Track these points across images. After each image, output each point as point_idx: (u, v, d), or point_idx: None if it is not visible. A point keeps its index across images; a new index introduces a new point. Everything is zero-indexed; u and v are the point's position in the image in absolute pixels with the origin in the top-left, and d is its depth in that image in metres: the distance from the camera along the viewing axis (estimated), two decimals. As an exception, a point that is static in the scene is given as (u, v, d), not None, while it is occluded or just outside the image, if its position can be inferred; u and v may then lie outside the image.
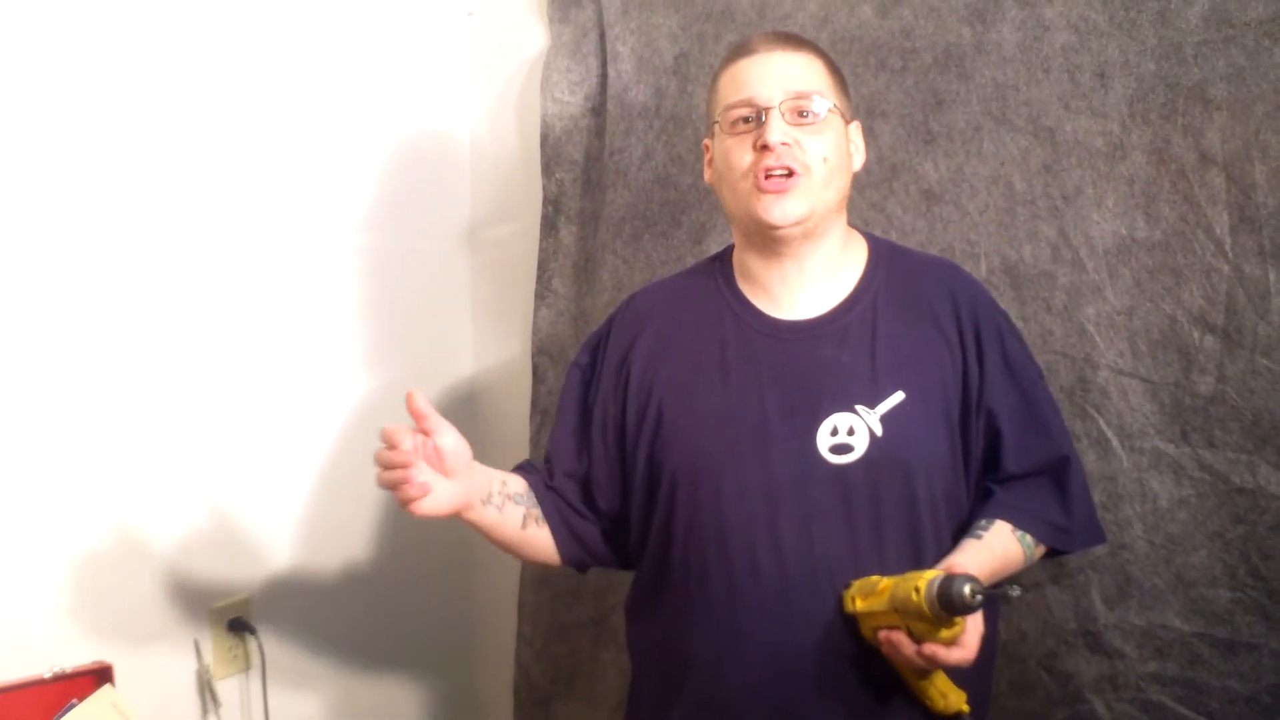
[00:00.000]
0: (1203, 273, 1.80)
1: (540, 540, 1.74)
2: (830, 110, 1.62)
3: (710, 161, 1.71)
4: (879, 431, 1.58)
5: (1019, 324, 1.93)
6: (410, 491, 1.48)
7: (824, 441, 1.58)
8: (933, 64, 1.99)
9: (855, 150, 1.69)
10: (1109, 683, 1.91)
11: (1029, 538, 1.63)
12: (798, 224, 1.60)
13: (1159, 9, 1.80)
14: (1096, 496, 1.89)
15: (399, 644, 2.45)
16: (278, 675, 2.13)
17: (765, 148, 1.57)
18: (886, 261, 1.71)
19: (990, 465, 1.68)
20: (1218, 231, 1.78)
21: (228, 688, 2.11)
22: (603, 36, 2.35)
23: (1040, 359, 1.92)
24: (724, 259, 1.76)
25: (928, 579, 1.39)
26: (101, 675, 1.74)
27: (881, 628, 1.47)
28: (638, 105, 2.30)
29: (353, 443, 2.32)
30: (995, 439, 1.66)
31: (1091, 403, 1.89)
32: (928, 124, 2.00)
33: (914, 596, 1.39)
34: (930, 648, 1.41)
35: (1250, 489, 1.78)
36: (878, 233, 2.03)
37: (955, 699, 1.51)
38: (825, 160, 1.60)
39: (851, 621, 1.53)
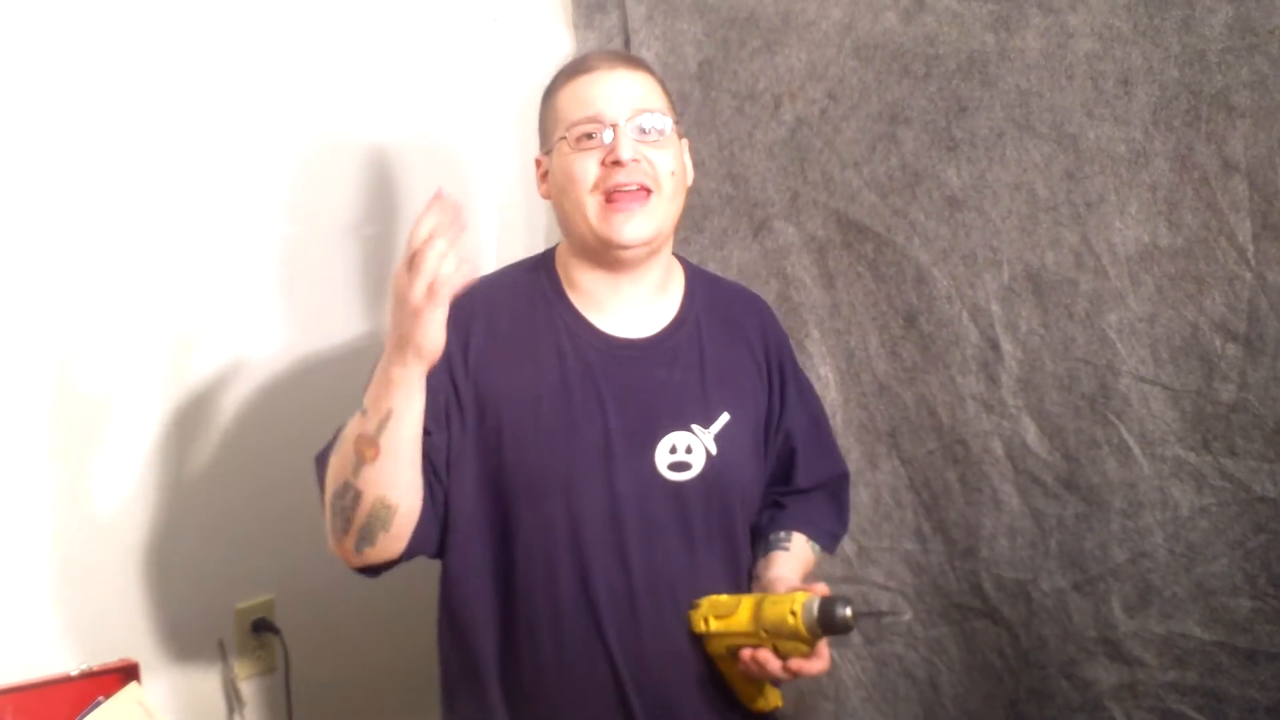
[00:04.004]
0: (1225, 280, 1.80)
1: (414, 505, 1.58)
2: (672, 128, 1.66)
3: (545, 176, 1.71)
4: (714, 450, 1.65)
5: (1041, 331, 1.94)
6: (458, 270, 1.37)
7: (662, 459, 1.63)
8: (956, 70, 1.99)
9: (687, 167, 1.73)
10: (1129, 691, 1.90)
11: (817, 546, 1.80)
12: (645, 244, 1.63)
13: (1183, 17, 1.79)
14: (1117, 503, 1.90)
15: (423, 645, 2.45)
16: (302, 676, 2.15)
17: (617, 163, 1.59)
18: (702, 287, 1.79)
19: (781, 479, 1.82)
20: (1240, 239, 1.77)
21: (252, 688, 2.12)
22: (627, 43, 2.36)
23: (1061, 366, 1.93)
24: (547, 268, 1.75)
25: (800, 602, 1.48)
26: (127, 673, 1.76)
27: (739, 646, 1.55)
28: (662, 111, 2.30)
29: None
30: (790, 457, 1.81)
31: (1113, 410, 1.89)
32: (951, 130, 2.00)
33: (790, 620, 1.48)
34: (796, 663, 1.51)
35: (1272, 497, 1.78)
36: (899, 240, 2.05)
37: (774, 697, 1.66)
38: (672, 174, 1.64)
39: (693, 635, 1.62)
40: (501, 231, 2.60)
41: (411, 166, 2.36)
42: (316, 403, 2.17)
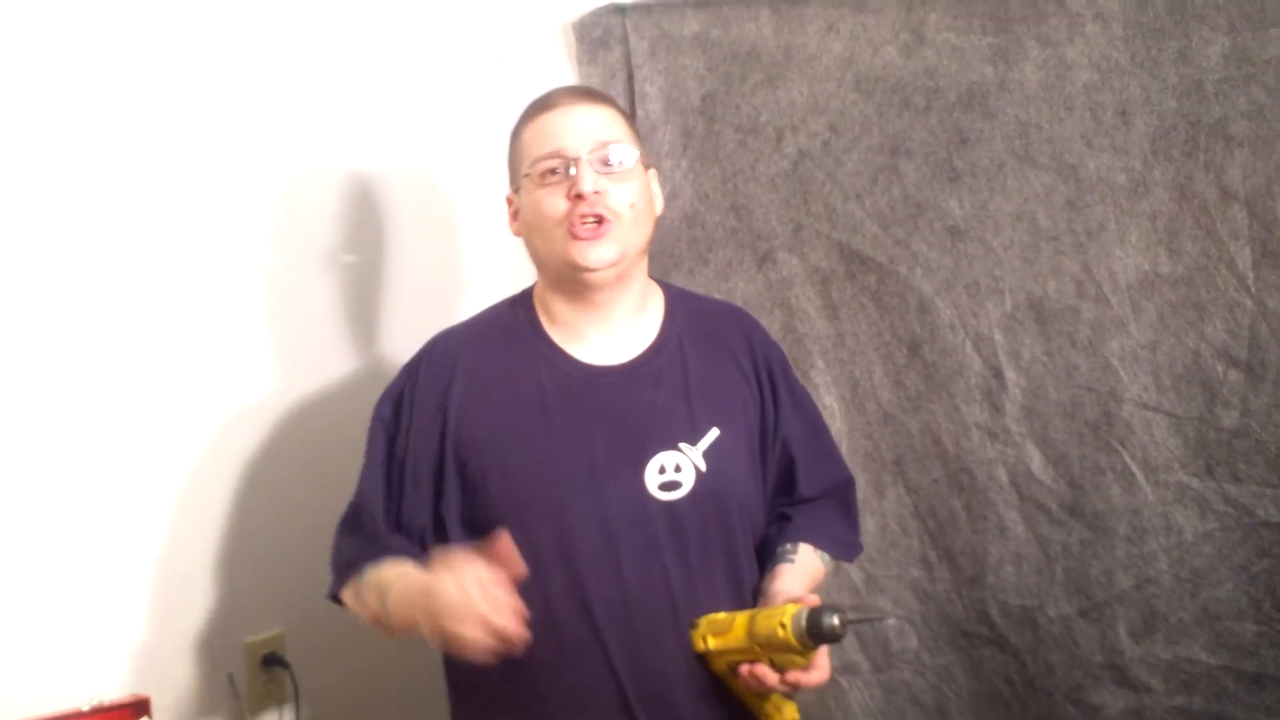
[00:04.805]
0: (1226, 307, 1.81)
1: None
2: (635, 160, 1.68)
3: (516, 215, 1.74)
4: (703, 467, 1.65)
5: (1044, 359, 1.95)
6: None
7: (652, 480, 1.63)
8: (956, 102, 2.01)
9: (656, 196, 1.75)
10: (1135, 716, 1.91)
11: (827, 555, 1.77)
12: (611, 267, 1.64)
13: (1180, 48, 1.81)
14: (1121, 530, 1.91)
15: (432, 680, 2.45)
16: (311, 710, 2.15)
17: (579, 197, 1.62)
18: (683, 307, 1.79)
19: (784, 489, 1.79)
20: (1240, 266, 1.79)
21: (262, 722, 2.13)
22: (630, 78, 2.38)
23: (1065, 394, 1.94)
24: (525, 305, 1.78)
25: (790, 614, 1.47)
26: (139, 708, 1.75)
27: (738, 662, 1.55)
28: (665, 145, 2.33)
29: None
30: (790, 465, 1.78)
31: (1116, 437, 1.90)
32: (952, 162, 2.02)
33: (780, 632, 1.47)
34: (794, 675, 1.51)
35: (1275, 522, 1.79)
36: (902, 270, 2.06)
37: (790, 711, 1.62)
38: (633, 206, 1.65)
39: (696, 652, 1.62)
40: (504, 263, 2.62)
41: (415, 202, 2.37)
42: (322, 436, 2.19)
